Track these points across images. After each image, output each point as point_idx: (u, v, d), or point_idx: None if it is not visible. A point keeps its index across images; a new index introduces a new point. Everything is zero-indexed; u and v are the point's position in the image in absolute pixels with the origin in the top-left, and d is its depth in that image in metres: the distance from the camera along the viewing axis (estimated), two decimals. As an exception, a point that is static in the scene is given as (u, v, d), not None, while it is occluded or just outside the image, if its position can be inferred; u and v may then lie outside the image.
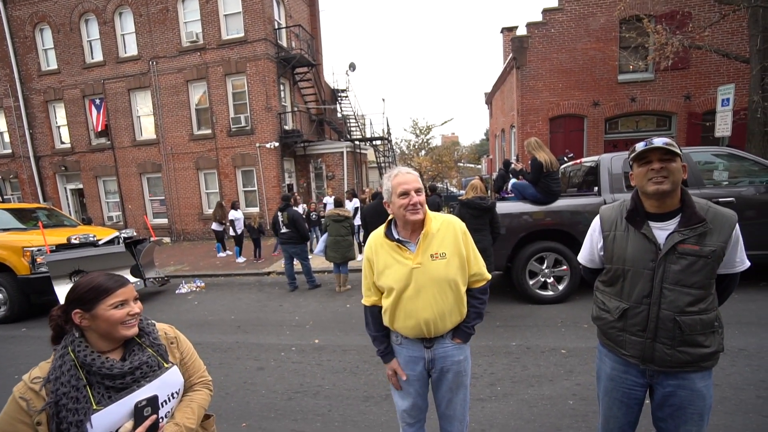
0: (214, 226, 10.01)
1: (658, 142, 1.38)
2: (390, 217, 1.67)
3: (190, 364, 1.32)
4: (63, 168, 14.39)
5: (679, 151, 1.37)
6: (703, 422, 1.44)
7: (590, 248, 1.65)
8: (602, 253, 1.59)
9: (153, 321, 1.32)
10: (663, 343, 1.41)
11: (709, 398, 1.44)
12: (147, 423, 1.06)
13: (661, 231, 1.41)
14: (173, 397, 1.19)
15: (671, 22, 8.76)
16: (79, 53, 13.54)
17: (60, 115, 14.34)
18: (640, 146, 1.43)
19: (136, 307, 1.18)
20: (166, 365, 1.19)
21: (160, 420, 1.11)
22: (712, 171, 4.81)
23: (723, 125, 7.72)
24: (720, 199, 4.19)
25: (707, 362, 1.41)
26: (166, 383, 1.16)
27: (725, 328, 3.65)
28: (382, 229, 1.68)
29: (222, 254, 10.04)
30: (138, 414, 1.05)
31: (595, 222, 1.62)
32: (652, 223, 1.43)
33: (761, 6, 6.80)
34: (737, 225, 1.39)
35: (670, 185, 1.36)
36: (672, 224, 1.40)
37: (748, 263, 1.45)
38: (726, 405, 2.49)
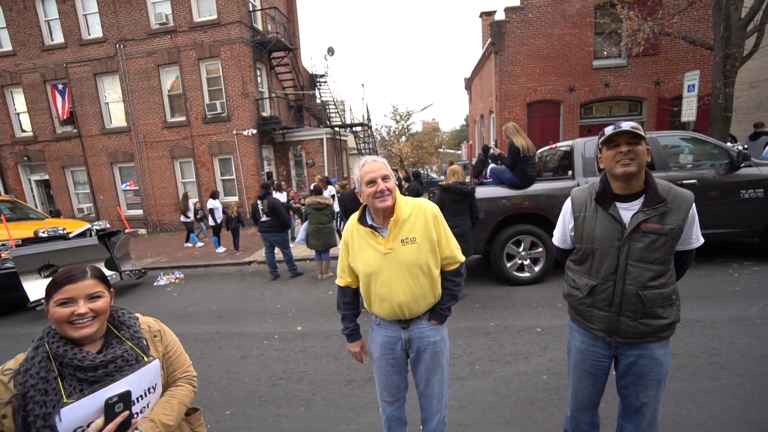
0: (182, 218, 9.92)
1: (626, 126, 1.45)
2: (363, 204, 1.71)
3: (175, 359, 1.27)
4: (25, 158, 13.62)
5: (644, 135, 1.46)
6: (661, 387, 1.57)
7: (563, 229, 1.72)
8: (573, 233, 1.67)
9: (137, 315, 1.27)
10: (627, 316, 1.52)
11: (666, 365, 1.56)
12: (118, 419, 1.01)
13: (627, 211, 1.50)
14: (151, 392, 1.13)
15: (643, 9, 8.95)
16: (37, 34, 12.67)
17: (19, 101, 13.48)
18: (608, 130, 1.51)
19: (83, 307, 1.06)
20: (146, 359, 1.14)
21: (135, 415, 1.07)
22: (678, 155, 5.03)
23: (689, 110, 8.04)
24: (684, 181, 4.41)
25: (665, 332, 1.53)
26: (144, 377, 1.11)
27: (684, 302, 3.89)
28: (356, 214, 1.73)
29: (188, 244, 9.92)
30: (109, 410, 1.00)
31: (567, 204, 1.69)
32: (618, 204, 1.52)
33: (725, -6, 7.03)
34: (693, 204, 1.49)
35: (636, 167, 1.45)
36: (636, 204, 1.49)
37: (702, 240, 1.57)
38: (682, 372, 2.70)
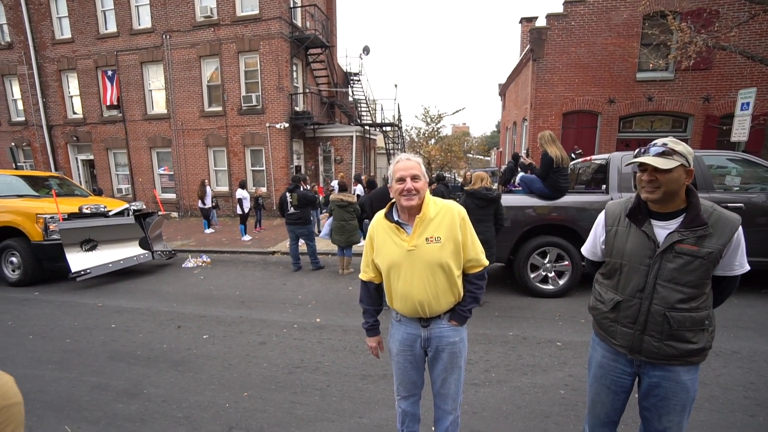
0: (200, 204, 10.34)
1: (652, 151, 1.42)
2: (392, 200, 1.74)
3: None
4: (74, 138, 14.54)
5: (673, 164, 1.37)
6: (685, 413, 1.50)
7: (593, 241, 1.70)
8: (603, 246, 1.64)
9: None
10: (651, 336, 1.47)
11: (693, 391, 1.49)
12: None
13: (662, 230, 1.45)
14: None
15: (697, 20, 8.52)
16: (93, 23, 13.50)
17: (73, 85, 14.40)
18: (639, 153, 1.47)
19: None
20: None
21: None
22: (724, 176, 4.77)
23: (740, 130, 7.58)
24: (729, 204, 4.17)
25: (694, 357, 1.46)
26: None
27: (721, 330, 3.68)
28: (385, 210, 1.76)
29: (208, 230, 10.30)
30: None
31: (601, 216, 1.67)
32: (654, 222, 1.47)
33: (792, 7, 6.59)
34: (740, 229, 1.41)
35: (661, 195, 1.41)
36: (674, 224, 1.44)
37: (747, 267, 1.47)
38: (713, 403, 2.55)
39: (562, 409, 2.56)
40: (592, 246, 1.72)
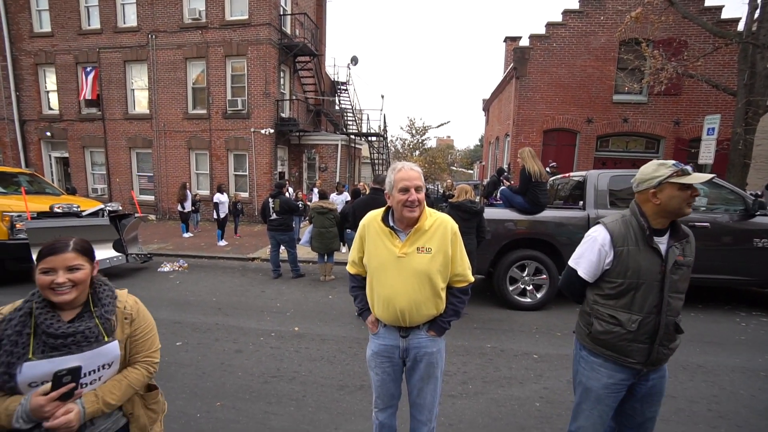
0: (179, 207, 10.11)
1: (701, 176, 1.54)
2: (388, 205, 1.73)
3: (141, 342, 1.33)
4: (49, 135, 14.00)
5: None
6: (662, 400, 1.69)
7: (597, 263, 1.62)
8: (609, 267, 1.60)
9: (116, 294, 1.33)
10: (662, 345, 1.58)
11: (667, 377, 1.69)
12: (62, 390, 1.09)
13: (662, 245, 1.57)
14: (105, 368, 1.22)
15: (668, 49, 9.02)
16: (75, 18, 13.15)
17: (50, 80, 13.92)
18: (683, 172, 1.50)
19: (62, 277, 1.17)
20: (106, 339, 1.21)
21: (83, 386, 1.17)
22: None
23: (706, 153, 8.01)
24: (696, 224, 4.38)
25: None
26: (99, 355, 1.19)
27: (687, 345, 3.82)
28: (380, 212, 1.75)
29: (186, 234, 10.06)
30: (56, 381, 1.09)
31: (604, 237, 1.61)
32: (655, 238, 1.57)
33: (751, 43, 7.06)
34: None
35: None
36: (665, 239, 1.57)
37: None
38: (680, 416, 2.64)
39: (537, 422, 2.59)
40: (594, 267, 1.63)
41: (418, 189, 1.60)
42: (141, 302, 1.40)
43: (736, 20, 10.09)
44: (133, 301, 1.36)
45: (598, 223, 1.69)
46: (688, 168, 1.52)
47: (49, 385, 1.09)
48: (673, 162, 1.53)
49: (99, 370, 1.21)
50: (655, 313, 1.55)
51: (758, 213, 4.47)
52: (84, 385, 1.17)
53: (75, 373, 1.12)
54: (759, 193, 4.98)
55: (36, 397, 1.08)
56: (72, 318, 1.21)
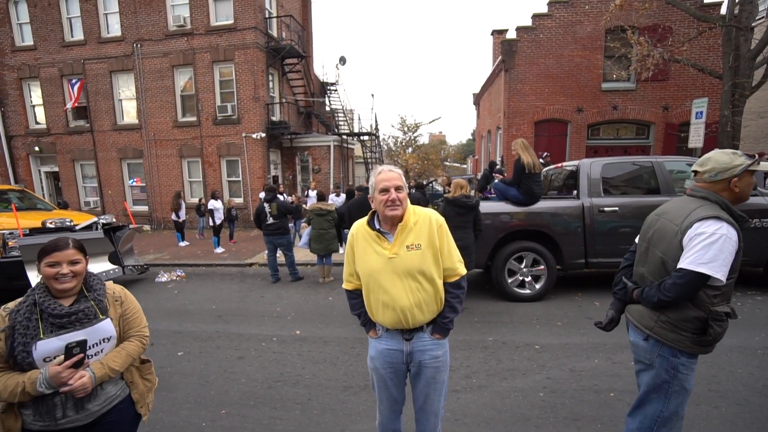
0: (173, 216, 10.03)
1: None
2: (373, 209, 1.75)
3: (132, 320, 1.60)
4: (37, 149, 13.83)
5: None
6: None
7: (732, 262, 1.53)
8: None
9: (104, 282, 1.60)
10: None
11: None
12: (74, 359, 1.34)
13: None
14: (105, 341, 1.48)
15: (653, 35, 9.08)
16: (58, 30, 12.99)
17: (36, 94, 13.75)
18: (757, 161, 1.63)
19: (66, 269, 1.42)
20: (101, 317, 1.47)
21: (89, 357, 1.42)
22: (684, 180, 5.06)
23: (696, 137, 8.08)
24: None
25: None
26: (99, 330, 1.45)
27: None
28: (366, 218, 1.76)
29: (182, 243, 10.01)
30: (68, 352, 1.33)
31: (733, 235, 1.51)
32: None
33: (734, 26, 7.13)
34: None
35: None
36: None
37: None
38: (682, 398, 2.67)
39: (542, 412, 2.61)
40: (728, 267, 1.52)
41: (398, 189, 1.63)
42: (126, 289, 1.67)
43: (719, 4, 10.19)
44: (120, 288, 1.64)
45: (711, 218, 1.52)
46: (756, 156, 1.58)
47: (62, 357, 1.34)
48: (732, 150, 1.64)
49: (100, 343, 1.47)
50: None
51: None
52: (90, 357, 1.43)
53: (82, 345, 1.36)
54: None
55: (53, 366, 1.33)
56: (71, 303, 1.46)
